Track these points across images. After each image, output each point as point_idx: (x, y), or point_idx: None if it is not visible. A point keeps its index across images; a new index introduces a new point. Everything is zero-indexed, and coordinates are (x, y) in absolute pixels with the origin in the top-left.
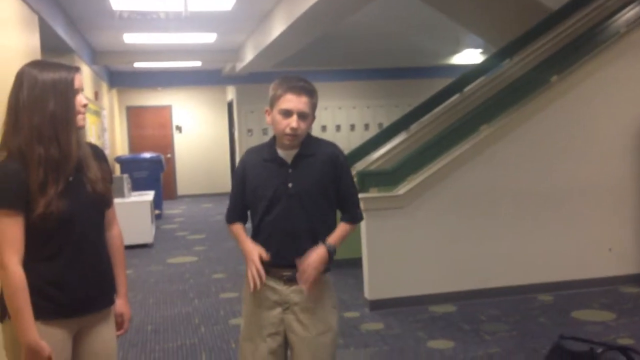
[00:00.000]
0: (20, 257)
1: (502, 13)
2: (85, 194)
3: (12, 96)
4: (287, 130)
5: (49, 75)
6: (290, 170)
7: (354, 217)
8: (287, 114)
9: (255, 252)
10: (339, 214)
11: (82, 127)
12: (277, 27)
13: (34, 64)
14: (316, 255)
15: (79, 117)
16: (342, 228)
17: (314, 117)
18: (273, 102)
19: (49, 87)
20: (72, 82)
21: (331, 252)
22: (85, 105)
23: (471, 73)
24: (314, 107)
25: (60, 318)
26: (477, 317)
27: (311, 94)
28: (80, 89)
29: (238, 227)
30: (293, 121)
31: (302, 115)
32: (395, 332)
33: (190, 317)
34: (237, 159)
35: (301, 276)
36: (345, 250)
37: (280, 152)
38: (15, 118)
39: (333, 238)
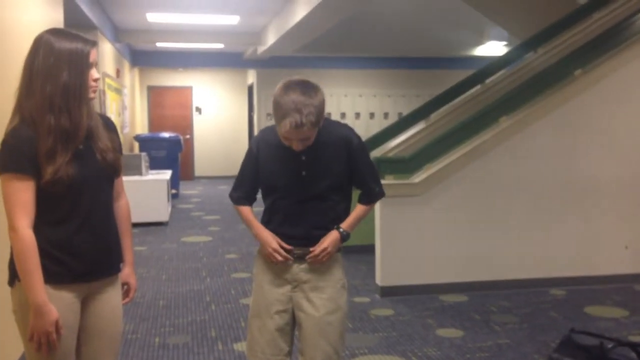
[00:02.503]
0: (31, 220)
1: (528, 5)
2: (95, 162)
3: (28, 61)
4: (294, 147)
5: (65, 45)
6: (303, 158)
7: (372, 197)
8: (289, 140)
9: (274, 242)
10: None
11: (93, 99)
12: (300, 10)
13: (53, 32)
14: (330, 240)
15: (91, 90)
16: (357, 211)
17: (323, 116)
18: (275, 116)
19: (64, 58)
20: (87, 55)
21: (344, 237)
22: (97, 80)
23: (494, 64)
24: (317, 123)
25: (69, 282)
26: (487, 308)
27: (314, 123)
28: (95, 63)
29: (247, 212)
30: (298, 147)
31: (304, 140)
32: (405, 319)
33: (201, 294)
34: None
35: (313, 259)
36: (358, 236)
37: None
38: (28, 83)
39: (347, 223)
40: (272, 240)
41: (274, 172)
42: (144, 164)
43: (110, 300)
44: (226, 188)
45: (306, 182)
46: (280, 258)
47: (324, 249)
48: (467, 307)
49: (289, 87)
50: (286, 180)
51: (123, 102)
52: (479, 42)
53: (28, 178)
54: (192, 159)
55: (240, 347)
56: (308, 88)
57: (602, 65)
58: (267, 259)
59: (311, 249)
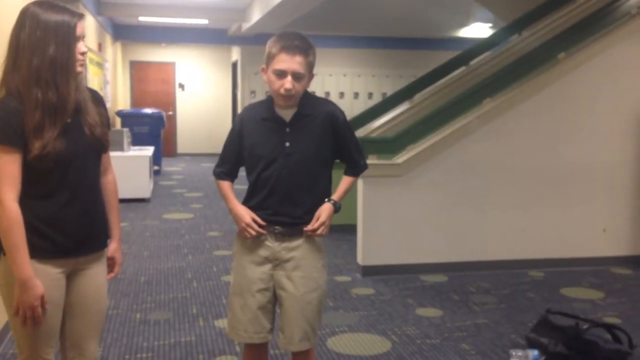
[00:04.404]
0: (17, 194)
1: None
2: (83, 137)
3: (14, 34)
4: (282, 91)
5: (51, 18)
6: (287, 130)
7: (358, 170)
8: (281, 74)
9: (247, 216)
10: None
11: (80, 73)
12: None
13: (38, 4)
14: (326, 213)
15: (78, 63)
16: (345, 183)
17: (311, 76)
18: (268, 60)
19: (51, 31)
20: (74, 27)
21: (337, 208)
22: (84, 53)
23: (479, 46)
24: (310, 65)
25: (55, 257)
26: (467, 288)
27: (306, 52)
28: (82, 36)
29: (227, 187)
30: (287, 82)
31: (296, 76)
32: (385, 298)
33: (183, 271)
34: None
35: (312, 232)
36: (340, 216)
37: (279, 110)
38: (14, 57)
39: (337, 194)
40: (245, 215)
41: (258, 143)
42: (126, 140)
43: (96, 277)
44: (209, 165)
45: (290, 153)
46: (253, 233)
47: (322, 223)
48: (446, 287)
49: (281, 34)
50: (270, 150)
51: (105, 76)
52: (464, 23)
53: (15, 150)
54: (175, 135)
55: (221, 323)
56: (302, 35)
57: (586, 49)
58: (241, 233)
59: (306, 229)
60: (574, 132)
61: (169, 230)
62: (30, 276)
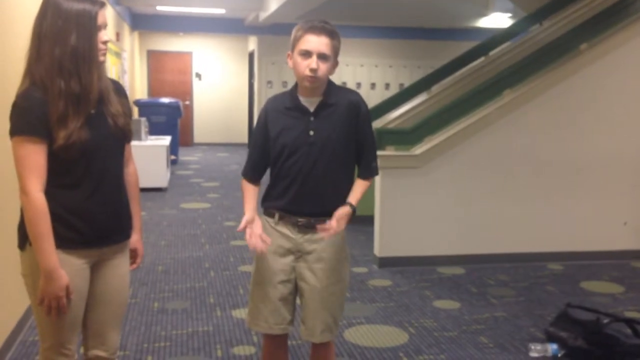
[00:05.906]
0: (43, 184)
1: None
2: (107, 127)
3: (36, 23)
4: (307, 72)
5: (73, 7)
6: (312, 118)
7: (369, 173)
8: (306, 54)
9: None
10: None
11: (103, 62)
12: None
13: None
14: (345, 219)
15: (100, 52)
16: (360, 186)
17: (336, 62)
18: (294, 44)
19: (72, 20)
20: (95, 16)
21: (354, 213)
22: (105, 42)
23: (498, 36)
24: (335, 49)
25: (80, 248)
26: (485, 281)
27: (332, 35)
28: (103, 25)
29: (248, 190)
30: (312, 62)
31: (322, 57)
32: (402, 290)
33: (200, 261)
34: (256, 110)
35: (325, 231)
36: (358, 207)
37: (303, 99)
38: (38, 46)
39: (355, 198)
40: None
41: (282, 132)
42: (144, 129)
43: (119, 268)
44: (225, 155)
45: (313, 142)
46: (259, 247)
47: (338, 230)
48: (464, 279)
49: (306, 20)
50: (294, 139)
51: (123, 66)
52: (482, 13)
53: (40, 141)
54: (192, 125)
55: (239, 313)
56: (327, 21)
57: (608, 40)
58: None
59: (320, 227)
60: (595, 124)
61: (186, 219)
62: (55, 266)
